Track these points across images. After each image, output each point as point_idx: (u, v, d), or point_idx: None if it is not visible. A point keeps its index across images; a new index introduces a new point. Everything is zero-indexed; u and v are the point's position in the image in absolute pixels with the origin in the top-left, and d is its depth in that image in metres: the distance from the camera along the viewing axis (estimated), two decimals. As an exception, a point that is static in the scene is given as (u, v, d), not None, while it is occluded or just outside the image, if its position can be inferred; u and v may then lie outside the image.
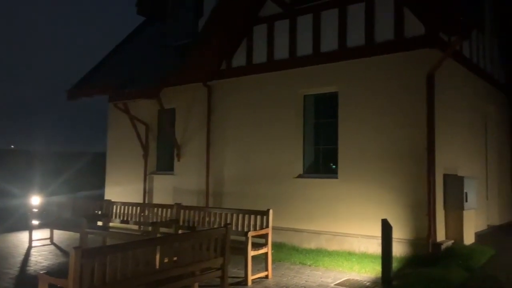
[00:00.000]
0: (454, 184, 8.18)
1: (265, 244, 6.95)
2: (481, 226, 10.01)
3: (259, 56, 10.25)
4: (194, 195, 10.93)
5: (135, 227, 9.32)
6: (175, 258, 4.90)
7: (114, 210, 9.18)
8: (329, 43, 9.21)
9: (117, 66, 13.33)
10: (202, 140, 11.00)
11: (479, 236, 9.09)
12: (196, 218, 7.93)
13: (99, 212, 9.42)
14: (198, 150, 11.06)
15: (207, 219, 7.76)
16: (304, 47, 9.58)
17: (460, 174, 8.70)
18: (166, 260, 4.81)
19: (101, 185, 13.53)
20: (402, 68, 8.27)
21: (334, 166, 9.19)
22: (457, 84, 9.18)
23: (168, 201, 10.59)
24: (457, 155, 9.03)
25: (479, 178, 9.94)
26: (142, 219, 8.77)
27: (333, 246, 8.72)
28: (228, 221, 7.37)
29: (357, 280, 6.61)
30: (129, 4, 18.84)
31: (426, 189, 7.80)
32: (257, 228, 7.11)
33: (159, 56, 12.43)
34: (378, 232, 6.95)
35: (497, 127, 11.69)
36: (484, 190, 10.59)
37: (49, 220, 9.93)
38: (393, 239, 6.71)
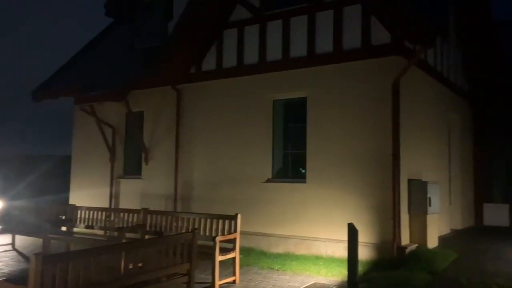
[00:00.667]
0: (418, 189, 8.38)
1: (233, 249, 6.93)
2: (444, 230, 10.28)
3: (229, 61, 10.25)
4: (162, 200, 10.80)
5: (101, 232, 9.13)
6: (140, 264, 4.82)
7: (78, 215, 8.97)
8: (298, 49, 9.30)
9: (84, 68, 13.06)
10: (171, 144, 10.89)
11: (442, 239, 9.33)
12: (164, 223, 7.83)
13: (63, 217, 9.18)
14: (167, 154, 10.95)
15: (174, 224, 7.68)
16: (274, 53, 9.63)
17: (424, 179, 8.92)
18: (131, 266, 4.73)
19: (67, 189, 13.19)
20: (369, 75, 8.43)
21: (303, 171, 9.26)
22: (422, 92, 9.43)
23: (136, 205, 10.42)
24: (422, 161, 9.26)
25: (442, 183, 10.21)
26: (107, 224, 8.59)
27: (301, 250, 8.78)
28: (196, 226, 7.31)
29: (323, 284, 6.67)
30: (97, 5, 18.52)
31: (391, 193, 7.96)
32: (225, 233, 7.08)
33: (128, 58, 12.27)
34: (345, 236, 7.01)
35: (460, 134, 12.06)
36: (447, 195, 10.89)
37: (11, 225, 9.61)
38: (359, 243, 6.78)
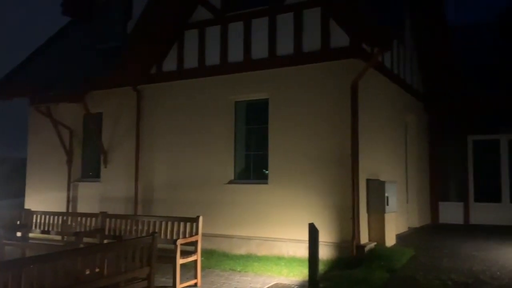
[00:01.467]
0: (376, 189, 8.59)
1: (195, 252, 6.88)
2: (402, 228, 10.57)
3: (190, 61, 10.18)
4: (122, 203, 10.58)
5: (58, 237, 8.85)
6: (97, 270, 4.71)
7: (34, 220, 8.67)
8: (259, 50, 9.34)
9: (40, 68, 12.64)
10: (131, 145, 10.70)
11: (400, 238, 9.59)
12: (123, 227, 7.68)
13: (18, 222, 8.84)
14: (127, 156, 10.75)
15: (134, 227, 7.55)
16: (235, 54, 9.64)
17: (382, 179, 9.14)
18: (88, 272, 4.61)
19: (22, 193, 12.72)
20: (329, 77, 8.57)
21: (266, 172, 9.30)
22: (379, 93, 9.66)
23: (94, 209, 10.14)
24: (380, 161, 9.49)
25: (399, 183, 10.50)
26: (64, 229, 8.33)
27: (263, 251, 8.81)
28: (157, 229, 7.22)
29: (285, 284, 6.72)
30: (54, 3, 17.96)
31: (351, 193, 8.12)
32: (187, 236, 7.02)
33: (86, 58, 11.96)
34: (306, 236, 7.07)
35: (416, 135, 12.44)
36: (404, 194, 11.20)
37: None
38: (320, 243, 6.88)
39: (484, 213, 12.70)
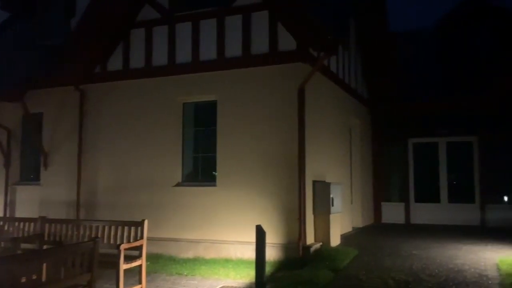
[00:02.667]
0: (322, 190, 8.77)
1: (139, 256, 6.69)
2: (347, 228, 10.85)
3: (137, 61, 9.96)
4: (63, 207, 10.17)
5: (-7, 244, 8.35)
6: (34, 277, 4.48)
7: (-34, 226, 8.13)
8: (208, 52, 9.30)
9: (-26, 65, 11.92)
10: (74, 147, 10.30)
11: (344, 238, 9.85)
12: (64, 232, 7.35)
13: None
14: (69, 158, 10.34)
15: (76, 232, 7.25)
16: (184, 55, 9.53)
17: (328, 180, 9.35)
18: (24, 280, 4.38)
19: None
20: (277, 80, 8.67)
21: (214, 174, 9.25)
22: (325, 97, 9.88)
23: (34, 214, 9.64)
24: (325, 163, 9.69)
25: (344, 184, 10.78)
26: (0, 235, 7.87)
27: (210, 254, 8.75)
28: (100, 234, 6.96)
29: (232, 286, 6.71)
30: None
31: (297, 195, 8.23)
32: (131, 240, 6.82)
33: (26, 56, 11.39)
34: (254, 238, 7.12)
35: (360, 138, 12.82)
36: (349, 195, 11.51)
37: None
38: (267, 244, 6.93)
39: (424, 213, 13.29)
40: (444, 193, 13.30)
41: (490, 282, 6.29)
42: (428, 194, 13.50)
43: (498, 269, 6.94)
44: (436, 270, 6.93)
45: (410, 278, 6.52)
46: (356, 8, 11.79)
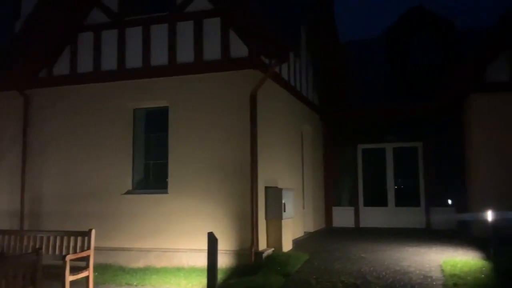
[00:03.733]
0: (274, 196, 8.84)
1: (87, 267, 6.50)
2: (298, 233, 10.99)
3: (85, 65, 9.69)
4: (6, 217, 9.68)
5: None
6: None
7: None
8: (159, 57, 9.19)
9: None
10: (17, 154, 9.85)
11: (296, 242, 9.97)
12: (6, 243, 7.02)
13: None
14: (12, 165, 9.87)
15: (18, 244, 6.94)
16: (134, 60, 9.37)
17: (280, 186, 9.44)
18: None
19: None
20: (229, 86, 8.69)
21: (165, 181, 9.10)
22: (277, 104, 9.99)
23: (-28, 225, 9.19)
24: (278, 169, 9.79)
25: (296, 190, 10.92)
26: None
27: (162, 263, 8.60)
28: (45, 245, 6.71)
29: (183, 295, 6.62)
30: None
31: (250, 201, 8.26)
32: (78, 250, 6.61)
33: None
34: (206, 245, 7.07)
35: (312, 143, 13.05)
36: (301, 200, 11.67)
37: None
38: (220, 251, 6.89)
39: (372, 217, 13.67)
40: (391, 197, 13.75)
41: (434, 283, 6.55)
42: (377, 198, 13.92)
43: (442, 270, 7.22)
44: (384, 273, 7.14)
45: (358, 281, 6.68)
46: (306, 16, 12.02)
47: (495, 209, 8.23)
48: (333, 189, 14.29)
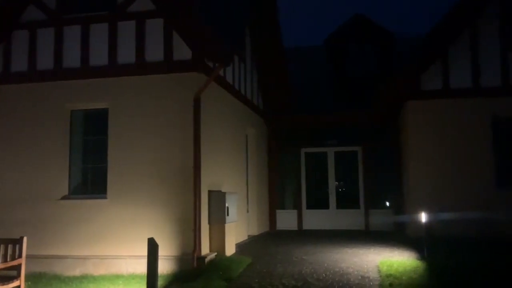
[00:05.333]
0: (217, 200, 8.80)
1: (18, 276, 6.15)
2: (242, 237, 11.00)
3: (19, 65, 9.20)
4: None
5: None
6: None
7: None
8: (99, 57, 8.89)
9: None
10: None
11: (239, 246, 9.97)
12: None
13: None
14: None
15: None
16: (72, 59, 9.02)
17: (224, 190, 9.41)
18: None
19: None
20: (172, 89, 8.55)
21: (104, 186, 8.79)
22: (222, 107, 9.97)
23: None
24: (222, 172, 9.75)
25: (240, 193, 10.94)
26: None
27: (100, 271, 8.31)
28: (-30, 254, 6.27)
29: (122, 303, 6.42)
30: None
31: (193, 205, 8.16)
32: (8, 259, 6.24)
33: None
34: (146, 251, 6.91)
35: (256, 147, 13.12)
36: (245, 204, 11.70)
37: None
38: (161, 257, 6.76)
39: (315, 219, 13.95)
40: (332, 200, 14.10)
41: (371, 283, 6.76)
42: (319, 201, 14.21)
43: (379, 270, 7.47)
44: (324, 274, 7.28)
45: (299, 283, 6.77)
46: (251, 22, 12.12)
47: (428, 210, 8.64)
48: (277, 193, 14.45)
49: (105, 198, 8.62)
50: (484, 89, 10.45)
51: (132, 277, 7.80)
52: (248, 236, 11.77)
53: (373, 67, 15.35)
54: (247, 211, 12.00)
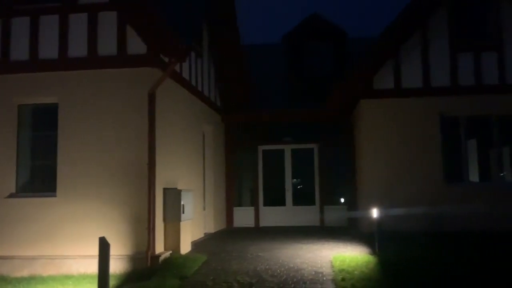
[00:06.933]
0: (173, 197, 8.69)
1: (-42, 280, 5.84)
2: (198, 234, 10.92)
3: (-38, 56, 8.74)
4: None
5: None
6: None
7: None
8: (49, 50, 8.58)
9: None
10: None
11: (195, 244, 9.89)
12: None
13: None
14: None
15: None
16: (20, 52, 8.67)
17: (180, 187, 9.30)
18: None
19: None
20: (126, 84, 8.37)
21: (54, 184, 8.48)
22: (178, 103, 9.83)
23: None
24: (178, 170, 9.63)
25: (197, 191, 10.85)
26: None
27: (49, 271, 8.03)
28: None
29: (71, 305, 6.22)
30: None
31: (147, 203, 8.03)
32: None
33: None
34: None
35: (213, 144, 13.05)
36: (201, 202, 11.61)
37: None
38: (113, 256, 6.63)
39: (271, 216, 14.04)
40: (289, 197, 14.24)
41: (324, 278, 6.87)
42: (276, 198, 14.30)
43: (332, 266, 7.61)
44: (278, 270, 7.34)
45: (254, 280, 6.79)
46: (209, 17, 12.02)
47: (380, 206, 8.87)
48: (235, 190, 14.44)
49: (55, 196, 8.34)
50: (434, 89, 10.82)
51: (83, 277, 7.59)
52: (205, 233, 11.70)
53: (329, 65, 15.61)
54: (204, 209, 11.93)
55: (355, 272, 7.01)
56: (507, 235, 9.02)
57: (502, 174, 11.08)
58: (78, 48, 8.49)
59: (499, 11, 10.88)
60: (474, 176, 11.11)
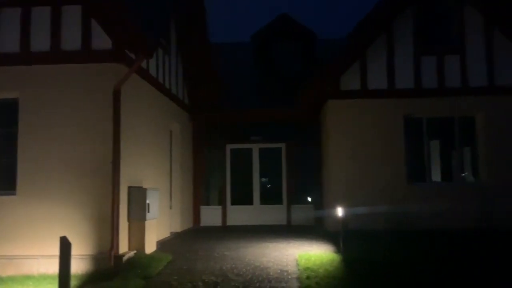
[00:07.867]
0: (137, 196, 8.55)
1: None
2: (164, 234, 10.79)
3: None
4: None
5: None
6: None
7: None
8: (9, 44, 8.30)
9: None
10: None
11: (161, 244, 9.77)
12: None
13: None
14: None
15: None
16: (-22, 45, 8.34)
17: (145, 186, 9.16)
18: None
19: None
20: (90, 80, 8.18)
21: (13, 182, 8.21)
22: (144, 101, 9.67)
23: None
24: (143, 168, 9.48)
25: (163, 189, 10.71)
26: None
27: (8, 272, 7.77)
28: None
29: (30, 306, 6.03)
30: None
31: (111, 202, 7.87)
32: None
33: None
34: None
35: (181, 143, 12.92)
36: (168, 200, 11.48)
37: None
38: (76, 256, 6.47)
39: (239, 215, 14.03)
40: (256, 196, 14.25)
41: (289, 277, 6.91)
42: (243, 197, 14.29)
43: (297, 264, 7.67)
44: (244, 269, 7.34)
45: (219, 279, 6.76)
46: (177, 14, 11.87)
47: (345, 205, 8.99)
48: (202, 189, 14.35)
49: (14, 194, 8.09)
50: (398, 91, 11.05)
51: (44, 277, 7.38)
52: (171, 233, 11.58)
53: (298, 66, 15.72)
54: (170, 208, 11.79)
55: (320, 270, 7.08)
56: (467, 233, 9.33)
57: (463, 175, 11.44)
58: (40, 42, 8.24)
59: (462, 15, 11.21)
60: (436, 176, 11.43)
